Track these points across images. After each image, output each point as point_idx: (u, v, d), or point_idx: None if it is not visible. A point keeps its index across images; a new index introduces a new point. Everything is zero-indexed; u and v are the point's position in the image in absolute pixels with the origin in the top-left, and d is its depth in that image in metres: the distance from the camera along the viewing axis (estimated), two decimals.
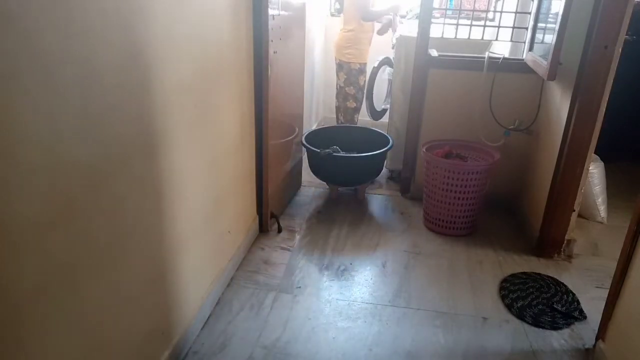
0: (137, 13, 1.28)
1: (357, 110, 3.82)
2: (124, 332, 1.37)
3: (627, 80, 2.83)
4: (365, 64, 3.69)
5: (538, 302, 2.12)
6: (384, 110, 3.92)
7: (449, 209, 2.63)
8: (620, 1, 2.02)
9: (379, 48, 3.84)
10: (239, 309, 2.03)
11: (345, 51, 3.63)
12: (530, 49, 2.62)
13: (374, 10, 3.63)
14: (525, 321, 2.01)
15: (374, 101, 3.86)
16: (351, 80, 3.70)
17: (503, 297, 2.15)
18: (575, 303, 2.12)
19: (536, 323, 2.00)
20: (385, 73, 3.74)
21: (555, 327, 1.99)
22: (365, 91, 3.78)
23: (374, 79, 3.74)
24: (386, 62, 3.69)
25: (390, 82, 3.53)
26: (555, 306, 2.09)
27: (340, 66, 3.71)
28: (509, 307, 2.09)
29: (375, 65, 3.73)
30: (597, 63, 2.12)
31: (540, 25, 2.53)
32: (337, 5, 4.31)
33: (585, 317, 2.04)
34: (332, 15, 4.41)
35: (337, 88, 3.81)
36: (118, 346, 1.35)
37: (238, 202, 2.29)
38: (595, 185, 2.83)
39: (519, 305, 2.09)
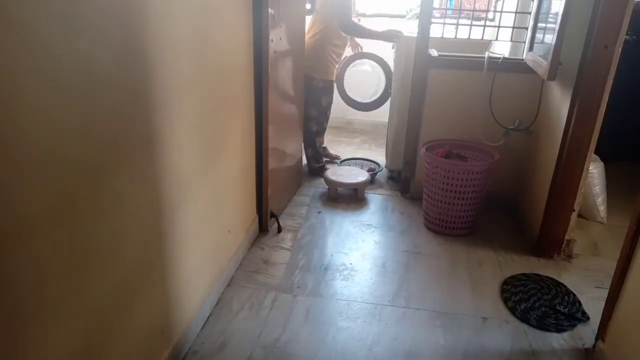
0: (136, 12, 1.28)
1: (317, 134, 3.37)
2: (124, 331, 1.37)
3: (627, 80, 2.83)
4: (331, 81, 3.25)
5: (541, 304, 2.11)
6: (379, 100, 3.81)
7: (449, 209, 2.63)
8: (620, 1, 2.02)
9: (378, 48, 3.82)
10: (239, 309, 2.03)
11: (307, 62, 3.03)
12: (530, 49, 2.62)
13: (358, 24, 3.14)
14: (530, 324, 2.00)
15: (346, 91, 3.64)
16: (312, 100, 3.19)
17: (505, 300, 2.14)
18: (577, 304, 2.12)
19: (541, 326, 1.99)
20: (365, 65, 3.60)
21: (560, 329, 1.98)
22: (329, 114, 3.39)
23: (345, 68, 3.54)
24: (369, 56, 3.59)
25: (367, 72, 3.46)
26: (558, 307, 2.08)
27: (304, 82, 3.09)
28: (512, 310, 2.08)
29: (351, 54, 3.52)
30: (597, 63, 2.12)
31: (540, 25, 2.53)
32: (309, 5, 3.16)
33: (588, 318, 2.03)
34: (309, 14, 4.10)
35: None
36: (118, 346, 1.35)
37: (238, 202, 2.29)
38: (595, 185, 2.83)
39: (522, 307, 2.08)
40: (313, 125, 3.32)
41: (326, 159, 3.62)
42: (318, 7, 3.09)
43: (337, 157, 3.70)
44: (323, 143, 3.65)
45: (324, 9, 3.06)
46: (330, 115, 3.49)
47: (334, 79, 3.33)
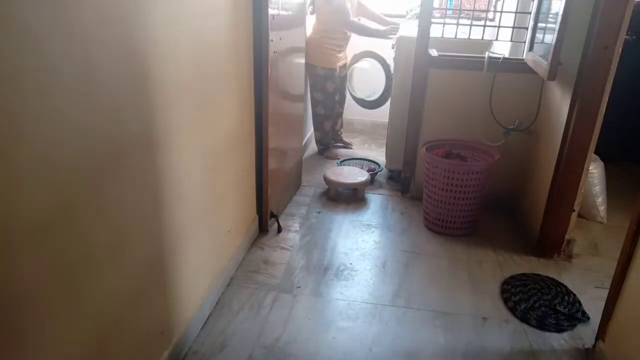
0: (136, 13, 1.27)
1: (326, 117, 3.68)
2: (124, 332, 1.37)
3: (627, 80, 2.83)
4: (333, 69, 3.53)
5: (541, 304, 2.10)
6: (379, 100, 3.88)
7: (449, 209, 2.63)
8: (620, 1, 2.02)
9: (377, 47, 3.81)
10: (239, 309, 2.03)
11: (310, 52, 3.44)
12: (530, 49, 2.61)
13: (357, 23, 3.47)
14: (530, 324, 2.00)
15: (354, 91, 3.85)
16: (317, 86, 3.57)
17: (506, 300, 2.14)
18: (577, 304, 2.12)
19: (541, 326, 1.99)
20: (365, 63, 3.72)
21: (560, 329, 1.98)
22: (338, 98, 3.69)
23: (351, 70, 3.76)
24: (369, 55, 3.70)
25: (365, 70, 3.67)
26: (558, 308, 2.08)
27: (306, 69, 3.50)
28: (512, 310, 2.08)
29: (357, 53, 3.76)
30: (597, 63, 2.12)
31: (540, 25, 2.53)
32: (312, 5, 3.61)
33: (588, 319, 2.03)
34: (311, 14, 4.27)
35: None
36: (117, 346, 1.35)
37: (238, 202, 2.29)
38: (595, 185, 2.83)
39: (522, 307, 2.08)
40: (320, 109, 3.66)
41: (339, 144, 3.98)
42: (318, 9, 3.44)
43: (349, 144, 4.04)
44: (340, 126, 3.97)
45: (323, 10, 3.41)
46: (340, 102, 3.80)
47: (336, 68, 3.56)
